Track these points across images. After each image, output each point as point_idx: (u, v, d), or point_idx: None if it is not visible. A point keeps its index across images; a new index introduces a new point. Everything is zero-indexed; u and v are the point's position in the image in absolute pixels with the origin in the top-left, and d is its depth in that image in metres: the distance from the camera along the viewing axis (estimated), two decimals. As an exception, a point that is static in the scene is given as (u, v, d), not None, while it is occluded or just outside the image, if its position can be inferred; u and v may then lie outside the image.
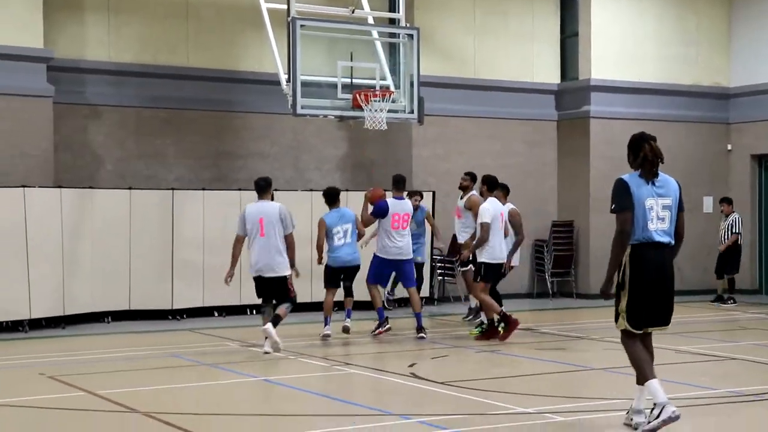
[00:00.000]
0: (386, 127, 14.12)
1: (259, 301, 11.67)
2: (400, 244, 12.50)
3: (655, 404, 6.94)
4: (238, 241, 11.38)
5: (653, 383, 6.96)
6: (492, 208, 12.15)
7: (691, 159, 18.67)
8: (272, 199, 11.59)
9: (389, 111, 14.09)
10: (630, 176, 7.18)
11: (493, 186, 12.39)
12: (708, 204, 18.96)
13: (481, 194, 12.49)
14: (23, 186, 13.42)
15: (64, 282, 13.61)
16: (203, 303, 14.90)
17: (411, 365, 10.32)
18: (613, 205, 7.13)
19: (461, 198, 13.37)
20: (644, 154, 7.15)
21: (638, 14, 18.56)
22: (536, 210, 18.32)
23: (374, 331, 12.50)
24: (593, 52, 18.14)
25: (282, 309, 11.14)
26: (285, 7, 14.10)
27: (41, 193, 13.57)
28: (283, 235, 11.16)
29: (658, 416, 6.86)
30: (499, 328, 12.20)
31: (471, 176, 13.49)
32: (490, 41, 18.15)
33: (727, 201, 17.30)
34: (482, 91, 18.01)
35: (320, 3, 15.52)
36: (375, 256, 12.63)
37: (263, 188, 11.44)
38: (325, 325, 12.25)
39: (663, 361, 10.43)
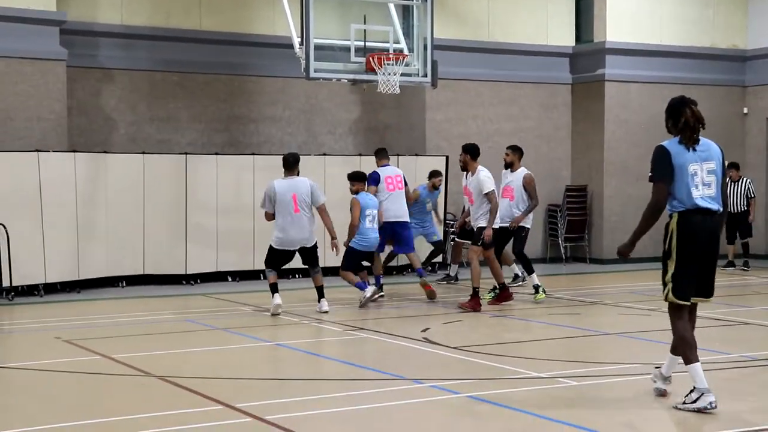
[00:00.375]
0: (399, 91, 14.04)
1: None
2: (396, 206, 12.91)
3: (694, 388, 6.73)
4: (268, 218, 11.56)
5: (695, 367, 6.73)
6: (490, 175, 12.05)
7: (707, 122, 18.46)
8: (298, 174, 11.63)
9: (403, 74, 14.01)
10: (670, 143, 6.86)
11: (475, 155, 12.20)
12: (723, 168, 18.84)
13: (465, 164, 12.29)
14: (37, 150, 13.44)
15: (78, 246, 13.67)
16: (216, 268, 14.94)
17: (424, 330, 10.34)
18: (651, 174, 6.85)
19: (511, 172, 13.02)
20: (685, 119, 6.81)
21: (654, -24, 18.36)
22: (550, 175, 18.26)
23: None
24: (608, 14, 17.97)
25: (319, 277, 11.68)
26: (297, -31, 13.98)
27: (56, 157, 13.59)
28: (311, 209, 11.50)
29: (695, 401, 6.67)
30: (486, 296, 12.30)
31: (514, 149, 13.20)
32: (504, 4, 17.99)
33: (734, 166, 17.06)
34: (496, 55, 17.88)
35: (333, -35, 15.38)
36: None
37: (291, 164, 11.58)
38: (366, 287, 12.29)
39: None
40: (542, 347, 9.60)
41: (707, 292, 6.94)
